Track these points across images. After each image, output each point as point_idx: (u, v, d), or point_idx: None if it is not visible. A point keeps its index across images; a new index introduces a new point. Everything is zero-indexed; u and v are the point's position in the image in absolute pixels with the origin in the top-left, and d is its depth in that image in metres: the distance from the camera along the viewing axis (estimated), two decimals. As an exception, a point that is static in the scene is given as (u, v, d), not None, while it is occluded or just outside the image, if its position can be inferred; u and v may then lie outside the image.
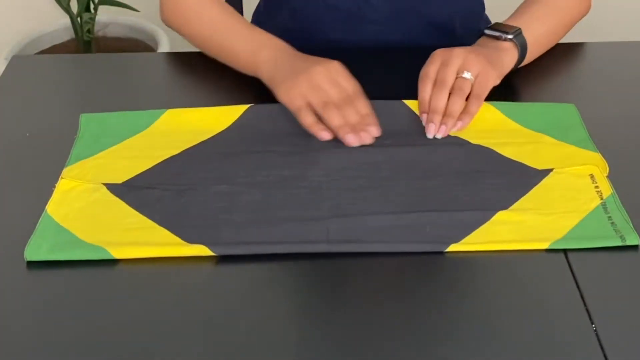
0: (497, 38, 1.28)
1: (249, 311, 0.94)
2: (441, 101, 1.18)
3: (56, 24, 2.51)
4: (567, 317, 0.93)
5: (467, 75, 1.19)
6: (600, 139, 1.17)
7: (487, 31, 1.29)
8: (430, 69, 1.21)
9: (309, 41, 1.45)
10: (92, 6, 2.41)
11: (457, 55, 1.21)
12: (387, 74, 1.33)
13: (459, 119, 1.17)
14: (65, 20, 2.46)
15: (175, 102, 1.29)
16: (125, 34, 2.53)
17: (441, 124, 1.17)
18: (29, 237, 1.01)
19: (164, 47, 2.38)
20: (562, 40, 1.37)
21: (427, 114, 1.18)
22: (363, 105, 1.18)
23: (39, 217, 1.04)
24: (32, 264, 0.99)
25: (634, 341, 0.90)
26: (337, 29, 1.44)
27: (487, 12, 1.57)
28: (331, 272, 0.99)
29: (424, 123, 1.18)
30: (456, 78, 1.20)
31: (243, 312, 0.93)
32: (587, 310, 0.93)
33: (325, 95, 1.17)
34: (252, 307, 0.94)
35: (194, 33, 1.35)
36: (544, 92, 1.27)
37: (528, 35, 1.29)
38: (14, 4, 2.53)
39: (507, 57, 1.27)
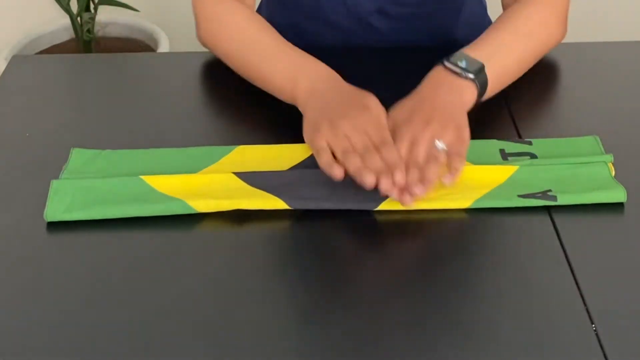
0: (458, 75, 1.17)
1: (248, 311, 0.94)
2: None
3: (56, 24, 2.51)
4: (567, 317, 0.93)
5: (440, 145, 1.08)
6: (600, 138, 1.17)
7: (447, 64, 1.17)
8: (401, 151, 1.09)
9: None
10: (92, 6, 2.41)
11: (425, 131, 1.09)
12: (388, 74, 1.33)
13: (451, 172, 1.07)
14: (65, 20, 2.46)
15: (173, 102, 1.29)
16: (125, 34, 2.53)
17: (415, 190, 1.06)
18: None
19: (164, 47, 2.38)
20: (563, 41, 1.37)
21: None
22: (388, 154, 1.08)
23: (38, 216, 1.03)
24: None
25: (634, 341, 0.90)
26: (338, 45, 1.43)
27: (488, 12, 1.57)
28: (332, 271, 0.99)
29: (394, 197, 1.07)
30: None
31: (242, 312, 0.94)
32: (587, 310, 0.93)
33: (347, 143, 1.09)
34: (251, 306, 0.94)
35: (229, 54, 1.28)
36: (545, 92, 1.27)
37: (492, 67, 1.19)
38: (14, 4, 2.53)
39: (466, 97, 1.17)
